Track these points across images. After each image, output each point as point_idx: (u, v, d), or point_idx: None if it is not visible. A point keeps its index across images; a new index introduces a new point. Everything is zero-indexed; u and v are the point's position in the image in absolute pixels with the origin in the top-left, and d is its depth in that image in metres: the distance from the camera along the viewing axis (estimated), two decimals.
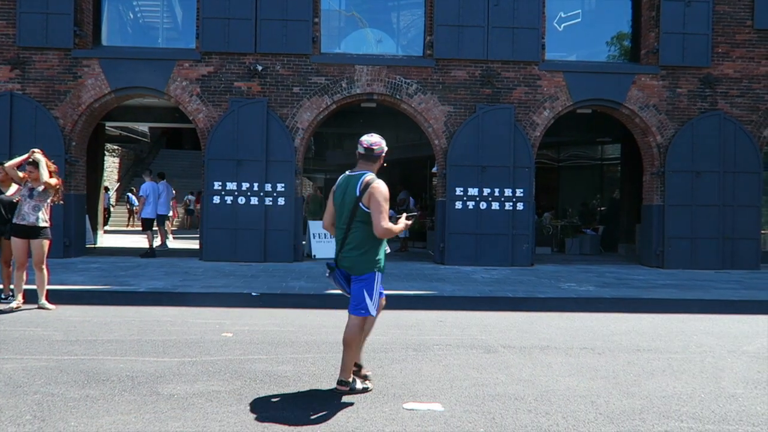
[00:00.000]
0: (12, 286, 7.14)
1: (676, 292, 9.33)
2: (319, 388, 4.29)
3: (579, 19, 13.26)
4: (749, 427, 3.68)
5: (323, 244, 13.53)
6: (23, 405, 3.80)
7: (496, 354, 5.36)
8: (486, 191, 12.25)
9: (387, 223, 3.91)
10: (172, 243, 15.78)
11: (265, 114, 12.03)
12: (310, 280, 9.81)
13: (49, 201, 6.99)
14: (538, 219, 15.73)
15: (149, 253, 12.63)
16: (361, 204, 3.97)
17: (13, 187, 7.25)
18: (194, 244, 14.50)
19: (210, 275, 10.03)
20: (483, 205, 12.23)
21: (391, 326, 6.47)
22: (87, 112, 12.10)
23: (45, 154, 7.06)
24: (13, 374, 4.43)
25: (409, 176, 20.92)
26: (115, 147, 24.85)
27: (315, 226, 13.73)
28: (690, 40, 12.44)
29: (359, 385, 4.18)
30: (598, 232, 16.47)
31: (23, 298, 7.01)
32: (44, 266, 6.96)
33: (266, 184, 12.04)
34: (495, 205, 12.24)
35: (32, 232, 6.84)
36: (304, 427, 3.53)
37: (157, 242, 13.85)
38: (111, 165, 24.00)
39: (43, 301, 6.96)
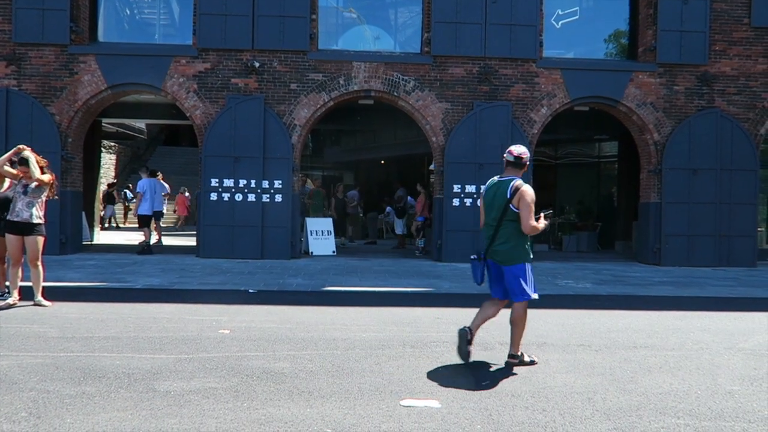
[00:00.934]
0: (7, 283, 7.11)
1: (673, 290, 9.36)
2: (317, 385, 4.28)
3: (577, 17, 13.26)
4: (745, 424, 3.68)
5: (320, 241, 13.52)
6: (18, 402, 3.79)
7: (493, 351, 5.36)
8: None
9: (533, 222, 4.63)
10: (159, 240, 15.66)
11: (262, 111, 12.00)
12: (308, 277, 9.80)
13: (43, 197, 6.96)
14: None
15: (146, 249, 12.60)
16: (511, 205, 4.67)
17: (6, 182, 7.21)
18: (191, 241, 14.47)
19: (207, 272, 10.02)
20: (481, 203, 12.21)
21: (388, 323, 6.47)
22: (83, 109, 12.06)
23: (33, 150, 7.02)
24: (9, 371, 4.41)
25: (407, 174, 20.90)
26: (112, 144, 24.77)
27: (312, 224, 13.73)
28: (687, 38, 12.44)
29: (526, 358, 4.90)
30: (596, 230, 16.49)
31: (19, 294, 6.98)
32: (39, 263, 6.93)
33: (263, 181, 12.02)
34: None
35: (26, 228, 6.81)
36: (309, 422, 3.53)
37: (154, 239, 13.82)
38: (108, 162, 23.92)
39: (39, 297, 6.94)
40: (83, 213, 13.54)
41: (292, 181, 12.16)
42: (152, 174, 14.04)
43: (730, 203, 12.45)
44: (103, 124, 16.76)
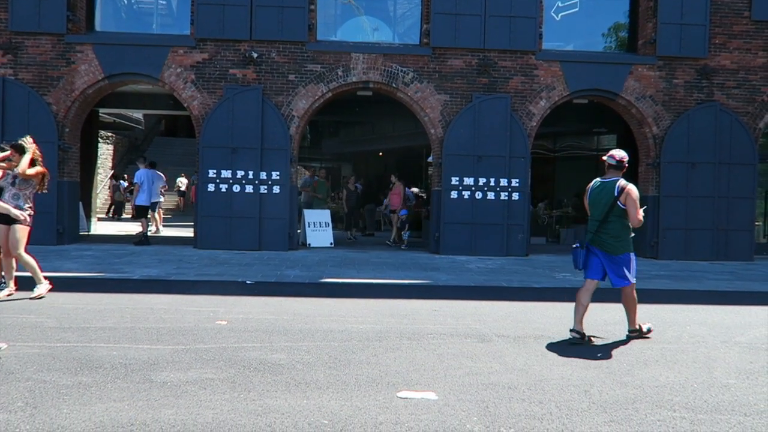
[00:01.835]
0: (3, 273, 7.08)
1: (670, 283, 9.37)
2: (314, 376, 4.28)
3: (576, 9, 13.19)
4: (741, 417, 3.69)
5: (318, 233, 13.51)
6: (15, 392, 3.78)
7: (490, 343, 5.36)
8: (482, 181, 12.23)
9: (640, 216, 5.40)
10: (157, 232, 15.62)
11: (260, 102, 11.95)
12: (305, 268, 9.80)
13: (30, 190, 6.89)
14: (533, 209, 15.74)
15: (143, 240, 12.58)
16: (618, 202, 5.42)
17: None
18: (189, 232, 14.45)
19: (204, 263, 10.01)
20: (478, 195, 12.22)
21: (385, 315, 6.47)
22: (80, 99, 12.00)
23: (35, 141, 6.99)
24: (5, 361, 4.40)
25: (405, 166, 20.86)
26: (109, 134, 24.65)
27: (310, 215, 13.70)
28: (687, 31, 12.40)
29: (644, 328, 5.73)
30: None
31: (15, 285, 6.97)
32: (20, 253, 6.83)
33: (261, 173, 11.99)
34: (490, 195, 12.24)
35: (10, 218, 6.77)
36: (306, 414, 3.53)
37: (151, 229, 13.79)
38: (105, 152, 23.82)
39: (11, 285, 6.93)
40: (80, 203, 13.50)
41: (290, 172, 12.13)
42: (151, 165, 13.99)
43: (728, 197, 12.46)
44: (100, 115, 16.68)
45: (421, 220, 16.59)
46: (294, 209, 12.45)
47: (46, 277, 7.03)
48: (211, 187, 11.95)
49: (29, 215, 6.86)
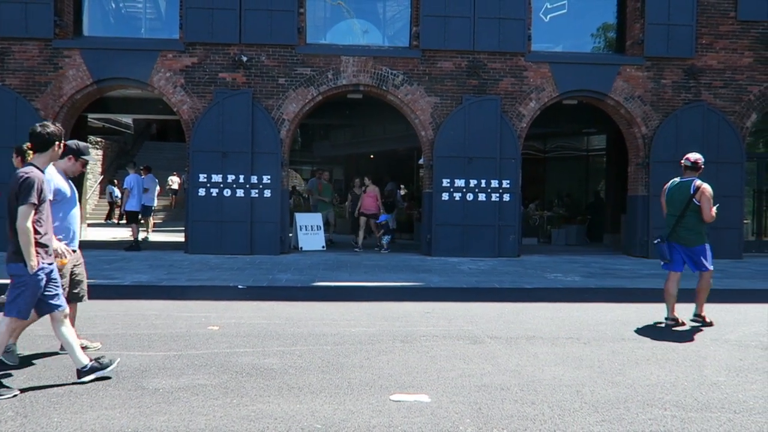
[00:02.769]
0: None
1: (661, 282, 9.38)
2: (306, 381, 4.27)
3: (565, 10, 13.27)
4: (731, 414, 3.73)
5: (310, 236, 13.49)
6: (5, 401, 3.75)
7: (482, 344, 5.38)
8: (472, 182, 12.26)
9: (713, 213, 6.10)
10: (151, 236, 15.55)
11: (250, 105, 11.92)
12: (297, 272, 9.78)
13: None
14: (524, 210, 15.80)
15: (134, 246, 12.51)
16: (694, 200, 6.13)
17: None
18: (179, 237, 14.39)
19: (195, 268, 9.97)
20: (470, 197, 12.25)
21: (378, 318, 6.47)
22: (69, 104, 11.93)
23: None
24: None
25: (396, 168, 20.88)
26: (99, 139, 24.52)
27: (302, 219, 13.68)
28: (674, 31, 12.50)
29: (708, 319, 6.37)
30: (585, 223, 16.59)
31: None
32: None
33: (252, 176, 11.96)
34: (481, 197, 12.27)
35: None
36: (299, 418, 3.52)
37: (142, 235, 13.72)
38: (94, 157, 23.70)
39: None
40: None
41: (280, 176, 12.11)
42: (147, 169, 13.95)
43: (717, 196, 12.33)
44: (89, 120, 16.59)
45: (412, 222, 16.63)
46: (285, 213, 12.43)
47: None
48: (201, 192, 11.91)
49: None
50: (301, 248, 13.21)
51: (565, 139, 18.84)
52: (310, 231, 13.55)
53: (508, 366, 4.71)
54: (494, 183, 12.29)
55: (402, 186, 17.44)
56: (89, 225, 17.29)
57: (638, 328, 6.13)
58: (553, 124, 15.32)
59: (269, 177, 12.00)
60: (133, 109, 15.99)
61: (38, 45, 11.70)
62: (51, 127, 4.21)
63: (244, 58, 11.95)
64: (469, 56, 12.34)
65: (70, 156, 4.76)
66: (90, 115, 16.20)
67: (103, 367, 4.20)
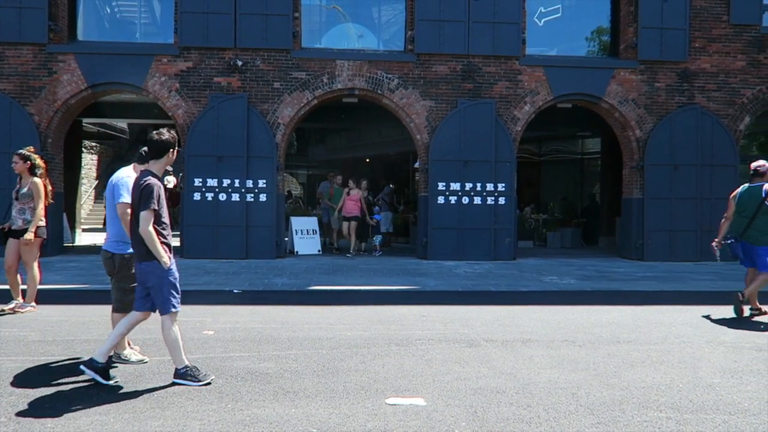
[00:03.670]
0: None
1: (656, 284, 9.46)
2: (302, 385, 4.26)
3: (559, 14, 13.33)
4: (726, 416, 3.73)
5: (305, 240, 13.47)
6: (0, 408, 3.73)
7: (478, 348, 5.37)
8: (468, 186, 12.28)
9: None
10: None
11: (245, 110, 11.92)
12: (293, 276, 9.77)
13: (36, 202, 6.74)
14: (519, 213, 15.83)
15: None
16: (765, 203, 6.80)
17: None
18: (174, 242, 14.35)
19: (191, 273, 9.93)
20: (465, 200, 12.27)
21: (373, 321, 6.46)
22: (63, 109, 11.89)
23: (42, 158, 6.95)
24: None
25: (392, 172, 20.90)
26: (93, 144, 24.45)
27: (297, 223, 13.66)
28: (668, 35, 12.58)
29: (764, 309, 7.09)
30: (580, 226, 16.64)
31: (22, 298, 6.83)
32: (35, 265, 6.79)
33: (247, 181, 11.94)
34: (477, 200, 12.29)
35: (19, 234, 6.65)
36: (295, 423, 3.51)
37: None
38: (89, 162, 23.62)
39: (19, 300, 6.80)
40: (64, 214, 13.36)
41: (276, 180, 12.09)
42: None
43: (711, 198, 12.60)
44: (83, 124, 16.53)
45: (408, 226, 16.64)
46: (281, 217, 12.41)
47: (23, 291, 6.89)
48: (196, 196, 11.89)
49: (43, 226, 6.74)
50: (297, 252, 13.19)
51: (559, 142, 18.90)
52: (305, 235, 13.53)
53: (504, 369, 4.71)
54: (489, 186, 12.31)
55: (392, 185, 17.45)
56: (84, 230, 17.23)
57: (716, 319, 6.78)
58: (547, 127, 15.38)
59: (265, 181, 11.99)
60: (128, 113, 15.95)
61: (32, 50, 11.68)
62: (166, 135, 4.36)
63: (239, 63, 11.95)
64: (463, 60, 12.37)
65: (155, 158, 4.84)
66: (85, 120, 16.15)
67: (198, 376, 4.25)
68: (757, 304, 7.07)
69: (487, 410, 3.77)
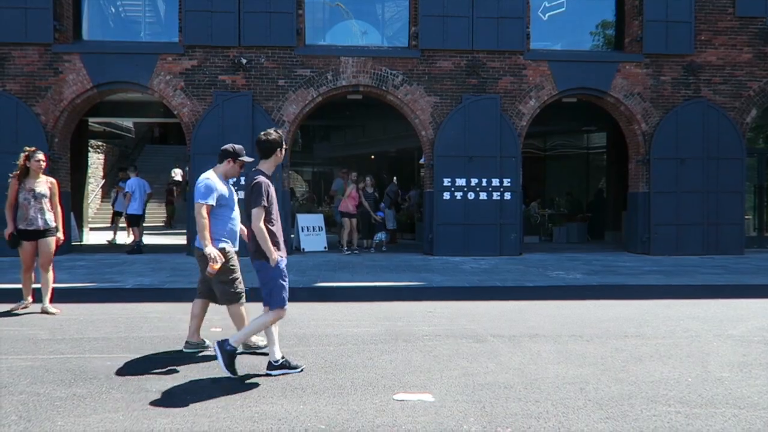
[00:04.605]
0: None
1: (663, 278, 9.43)
2: (310, 381, 4.27)
3: (563, 9, 13.27)
4: (735, 410, 3.72)
5: (312, 237, 13.49)
6: (9, 405, 3.75)
7: (485, 343, 5.37)
8: (473, 181, 12.26)
9: None
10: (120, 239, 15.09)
11: (250, 107, 11.93)
12: (299, 273, 9.78)
13: (55, 200, 6.76)
14: (525, 208, 15.80)
15: (136, 249, 12.51)
16: None
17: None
18: (182, 240, 14.39)
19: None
20: (471, 196, 12.25)
21: (380, 318, 6.47)
22: (69, 108, 11.94)
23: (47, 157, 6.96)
24: None
25: (397, 168, 20.88)
26: (100, 143, 24.54)
27: (303, 220, 13.67)
28: (673, 28, 12.50)
29: None
30: (586, 221, 16.59)
31: (32, 298, 6.84)
32: (51, 267, 6.75)
33: None
34: (483, 195, 12.27)
35: (40, 234, 6.61)
36: (303, 419, 3.53)
37: (130, 239, 13.56)
38: (96, 161, 23.70)
39: (47, 304, 6.69)
40: (71, 213, 13.41)
41: (281, 177, 12.10)
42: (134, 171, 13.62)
43: (718, 192, 12.55)
44: (90, 124, 16.60)
45: (414, 222, 16.63)
46: (287, 214, 12.43)
47: (52, 292, 6.88)
48: None
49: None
50: (303, 249, 13.21)
51: (565, 137, 18.83)
52: (311, 232, 13.55)
53: (512, 364, 4.70)
54: (495, 182, 12.29)
55: (395, 180, 17.47)
56: (91, 229, 17.30)
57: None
58: (552, 122, 15.33)
59: None
60: (133, 112, 15.99)
61: (38, 50, 11.72)
62: (273, 135, 4.55)
63: (244, 61, 11.96)
64: (468, 55, 12.34)
65: (228, 159, 5.10)
66: (91, 120, 16.21)
67: (293, 367, 4.44)
68: None
69: (495, 405, 3.78)
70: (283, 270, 4.46)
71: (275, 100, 12.14)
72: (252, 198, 4.40)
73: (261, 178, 4.45)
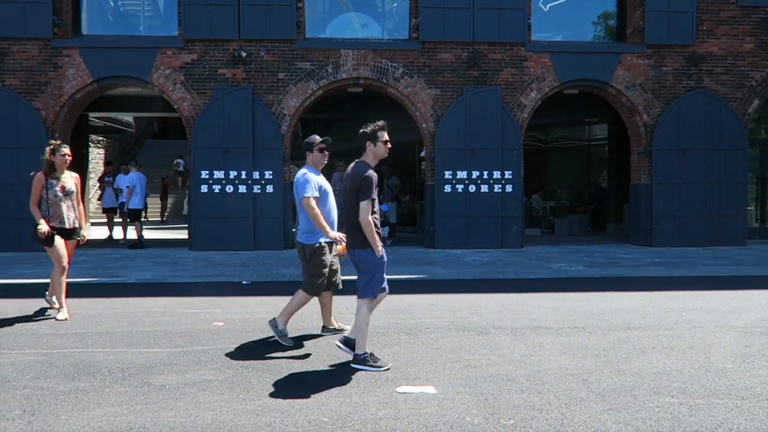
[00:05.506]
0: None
1: (665, 270, 9.42)
2: (313, 374, 4.27)
3: None
4: (738, 401, 3.72)
5: None
6: (12, 400, 3.76)
7: (487, 335, 5.38)
8: (475, 174, 12.24)
9: None
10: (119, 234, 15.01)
11: (250, 101, 11.90)
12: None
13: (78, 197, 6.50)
14: (527, 201, 15.77)
15: (138, 244, 12.52)
16: None
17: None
18: (183, 234, 14.40)
19: (200, 265, 9.98)
20: (472, 188, 12.23)
21: (383, 311, 6.47)
22: (69, 103, 11.92)
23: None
24: (1, 369, 4.38)
25: (398, 161, 20.79)
26: (100, 138, 24.52)
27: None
28: (675, 19, 12.43)
29: None
30: (588, 213, 16.56)
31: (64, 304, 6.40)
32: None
33: (254, 172, 11.95)
34: (484, 188, 12.25)
35: (74, 232, 6.40)
36: (306, 412, 3.53)
37: (131, 234, 13.55)
38: (96, 156, 23.69)
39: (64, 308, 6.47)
40: None
41: (282, 171, 12.10)
42: (128, 168, 13.55)
43: (720, 183, 12.51)
44: (90, 119, 16.58)
45: (415, 215, 16.61)
46: (288, 208, 12.42)
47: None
48: (204, 189, 11.91)
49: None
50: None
51: (566, 129, 18.77)
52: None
53: (514, 356, 4.71)
54: (496, 174, 12.26)
55: (394, 174, 17.44)
56: (92, 224, 17.30)
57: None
58: (554, 114, 15.27)
59: (271, 172, 12.00)
60: (133, 107, 15.97)
61: (37, 45, 11.69)
62: (369, 127, 4.72)
63: (244, 54, 11.92)
64: (468, 47, 12.28)
65: (307, 151, 5.26)
66: (91, 114, 16.20)
67: (376, 363, 4.41)
68: None
69: (497, 397, 3.78)
70: (385, 261, 4.55)
71: (275, 93, 12.11)
72: (361, 190, 4.39)
73: (370, 172, 4.47)
